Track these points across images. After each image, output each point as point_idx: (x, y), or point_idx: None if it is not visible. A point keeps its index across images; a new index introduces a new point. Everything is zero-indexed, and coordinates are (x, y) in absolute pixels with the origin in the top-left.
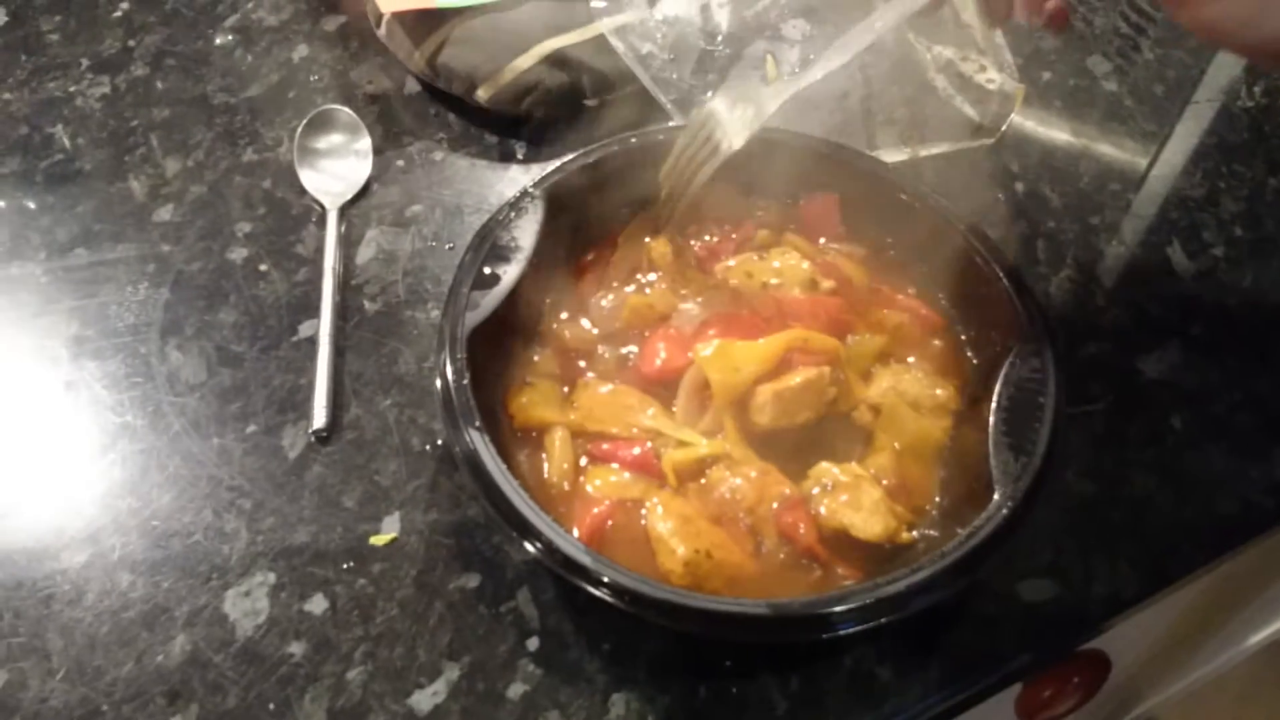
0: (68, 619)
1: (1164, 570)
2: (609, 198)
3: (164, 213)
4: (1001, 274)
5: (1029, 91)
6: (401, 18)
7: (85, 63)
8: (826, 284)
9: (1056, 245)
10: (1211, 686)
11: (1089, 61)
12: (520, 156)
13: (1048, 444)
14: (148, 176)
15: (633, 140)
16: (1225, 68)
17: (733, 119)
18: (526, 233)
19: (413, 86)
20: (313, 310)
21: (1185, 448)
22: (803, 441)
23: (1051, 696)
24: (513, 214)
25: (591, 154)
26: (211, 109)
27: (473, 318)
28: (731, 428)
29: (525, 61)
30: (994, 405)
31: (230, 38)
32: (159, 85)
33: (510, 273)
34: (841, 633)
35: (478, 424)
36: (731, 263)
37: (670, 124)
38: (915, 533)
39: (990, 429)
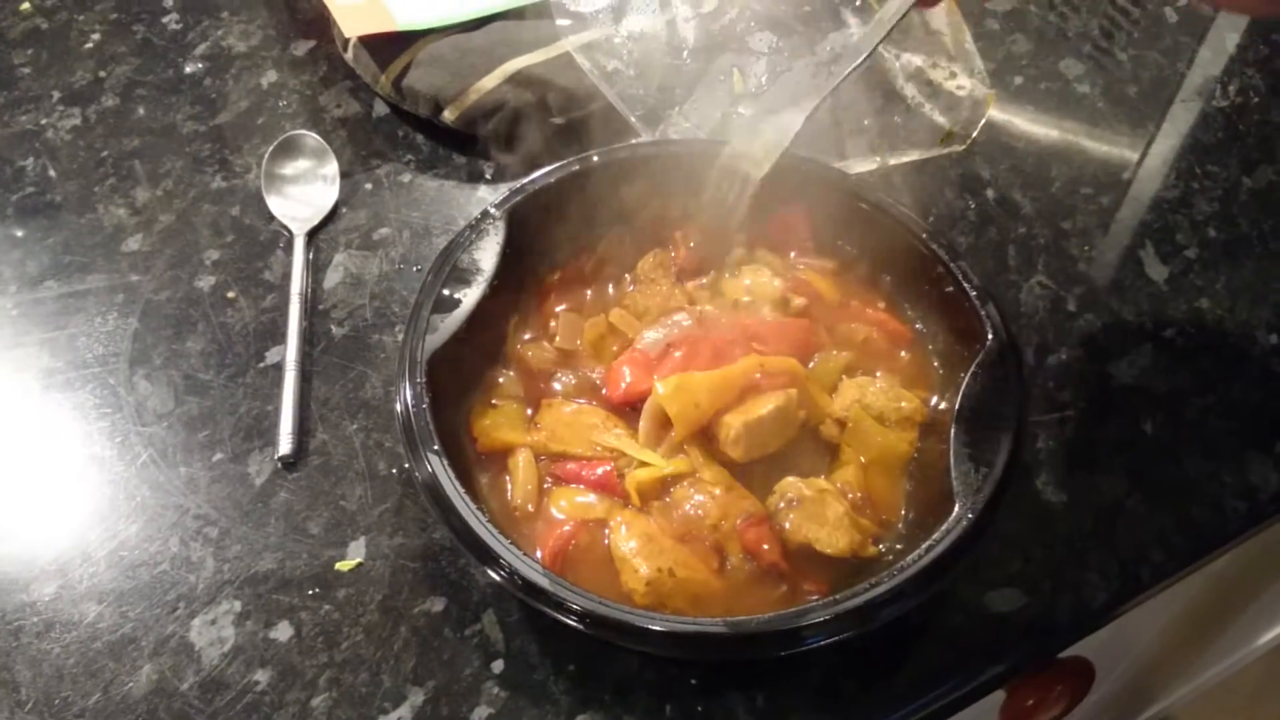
0: (36, 651)
1: (1135, 578)
2: (573, 216)
3: (133, 242)
4: (966, 283)
5: (1000, 96)
6: (367, 41)
7: (56, 95)
8: (797, 301)
9: (1027, 251)
10: (1223, 686)
11: (1062, 65)
12: (488, 176)
13: (1009, 454)
14: (118, 207)
15: (594, 158)
16: (1202, 67)
17: (754, 148)
18: (488, 254)
19: (381, 110)
20: (280, 336)
21: (1157, 453)
22: (768, 457)
23: (1035, 705)
24: (473, 235)
25: (553, 174)
26: (181, 137)
27: (433, 341)
28: (696, 451)
29: (490, 81)
30: (955, 416)
31: (200, 66)
32: (129, 115)
33: (471, 295)
34: (803, 648)
35: (437, 448)
36: (703, 282)
37: (636, 140)
38: (881, 546)
39: (951, 440)
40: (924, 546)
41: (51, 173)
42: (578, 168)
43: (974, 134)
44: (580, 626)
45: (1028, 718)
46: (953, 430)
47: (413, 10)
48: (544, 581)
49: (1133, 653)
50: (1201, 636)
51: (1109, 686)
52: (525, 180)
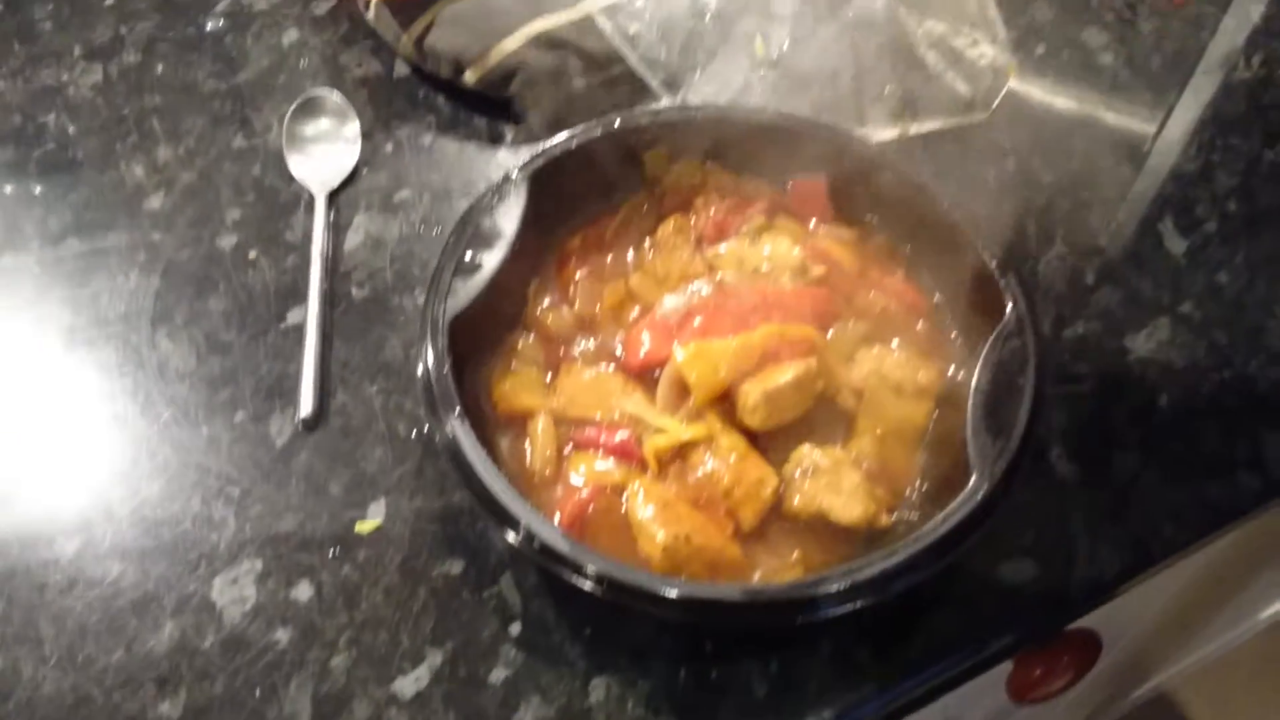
0: (60, 607)
1: (1147, 552)
2: (593, 181)
3: (155, 201)
4: (985, 254)
5: (1022, 65)
6: (389, 1)
7: (78, 51)
8: (816, 270)
9: (1047, 222)
10: (1223, 662)
11: (1085, 34)
12: (509, 139)
13: (1026, 426)
14: (139, 164)
15: (616, 123)
16: (1226, 38)
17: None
18: (509, 218)
19: (402, 70)
20: (300, 297)
21: (1172, 427)
22: (785, 426)
23: (1042, 675)
24: (495, 199)
25: (574, 138)
26: (202, 96)
27: (454, 305)
28: (714, 418)
29: (512, 43)
30: (973, 387)
31: (221, 23)
32: (151, 72)
33: (492, 259)
34: (817, 617)
35: (458, 412)
36: (723, 249)
37: (658, 105)
38: (894, 516)
39: (969, 411)
40: (940, 517)
41: (72, 129)
42: (600, 132)
43: (995, 103)
44: (597, 590)
45: (1035, 688)
46: (970, 401)
47: None
48: (562, 545)
49: (1140, 624)
50: (1207, 607)
51: (1113, 658)
52: (547, 144)
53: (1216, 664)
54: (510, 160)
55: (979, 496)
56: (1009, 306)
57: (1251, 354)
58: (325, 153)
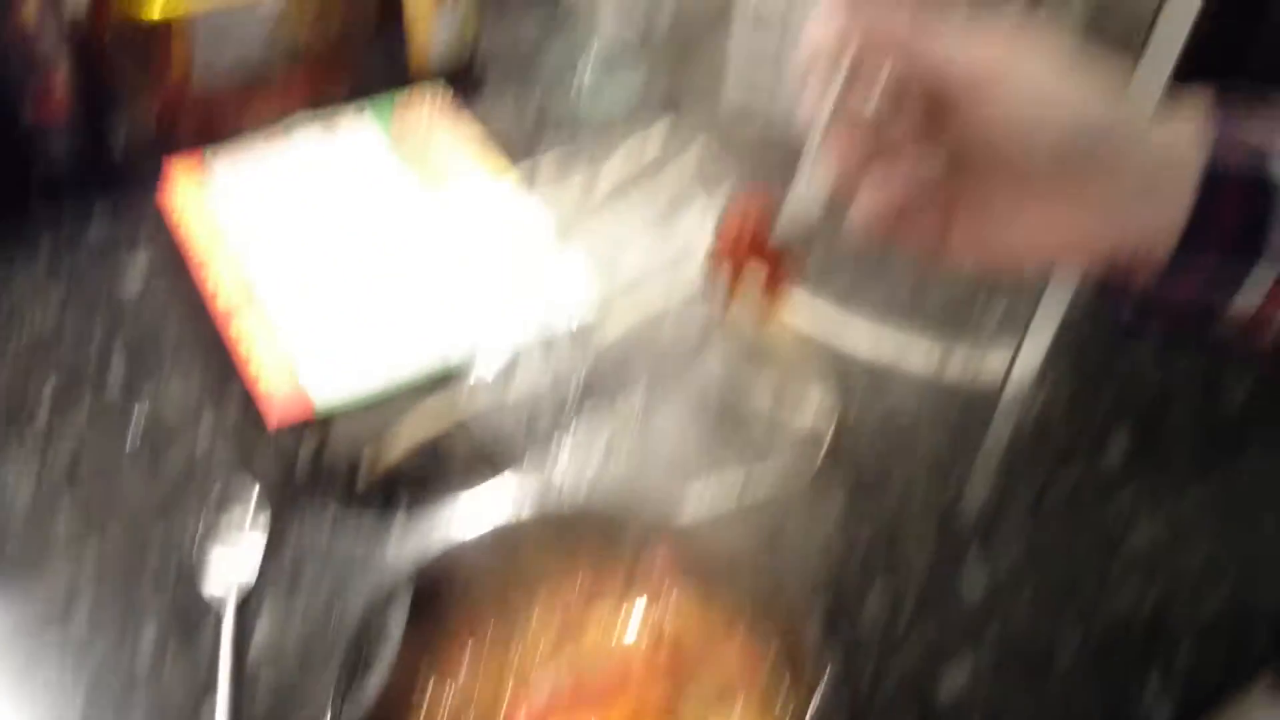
0: None
1: None
2: (470, 576)
3: (78, 616)
4: (808, 614)
5: (843, 423)
6: (288, 415)
7: (9, 473)
8: (669, 636)
9: (867, 572)
10: None
11: (895, 398)
12: (403, 531)
13: None
14: (63, 584)
15: (493, 527)
16: (1019, 372)
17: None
18: (396, 619)
19: (304, 474)
20: (213, 700)
21: None
22: None
23: None
24: (382, 604)
25: (451, 546)
26: (121, 514)
27: (351, 708)
28: None
29: (400, 449)
30: None
31: (139, 440)
32: (73, 492)
33: (385, 657)
34: None
35: None
36: (587, 624)
37: (531, 509)
38: None
39: None
40: None
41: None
42: (473, 538)
43: (818, 462)
44: None
45: None
46: None
47: (327, 391)
48: None
49: None
50: None
51: None
52: (427, 547)
53: None
54: (403, 555)
55: None
56: (827, 667)
57: (1043, 691)
58: (235, 552)
